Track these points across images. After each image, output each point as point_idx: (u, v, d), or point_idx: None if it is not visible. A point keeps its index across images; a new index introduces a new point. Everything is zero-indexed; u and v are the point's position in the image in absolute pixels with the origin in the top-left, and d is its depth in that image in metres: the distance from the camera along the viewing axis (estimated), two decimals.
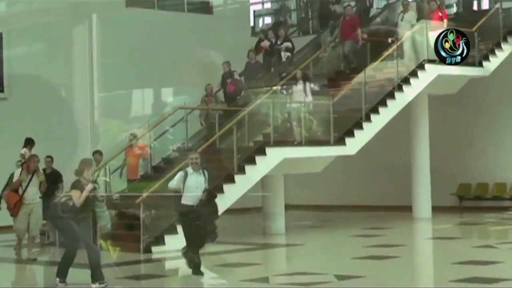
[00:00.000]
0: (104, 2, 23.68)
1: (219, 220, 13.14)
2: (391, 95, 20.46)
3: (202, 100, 20.58)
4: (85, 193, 11.31)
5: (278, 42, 22.27)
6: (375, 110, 20.12)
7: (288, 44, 22.27)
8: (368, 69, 20.50)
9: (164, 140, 19.71)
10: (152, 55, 23.62)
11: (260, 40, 22.68)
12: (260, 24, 29.98)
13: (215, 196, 13.21)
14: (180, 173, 12.72)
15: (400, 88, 20.55)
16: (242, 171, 17.67)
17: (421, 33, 21.06)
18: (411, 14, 21.36)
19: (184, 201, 12.58)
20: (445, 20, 20.92)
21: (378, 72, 20.87)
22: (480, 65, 22.02)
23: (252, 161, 17.82)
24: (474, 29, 22.00)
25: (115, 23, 23.61)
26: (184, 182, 12.53)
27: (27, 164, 15.46)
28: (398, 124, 20.92)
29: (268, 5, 31.43)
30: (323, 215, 24.18)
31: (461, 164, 23.90)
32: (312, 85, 19.71)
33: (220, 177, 17.08)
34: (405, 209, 21.70)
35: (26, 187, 15.35)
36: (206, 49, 23.59)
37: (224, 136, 18.44)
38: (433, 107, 22.28)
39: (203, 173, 12.68)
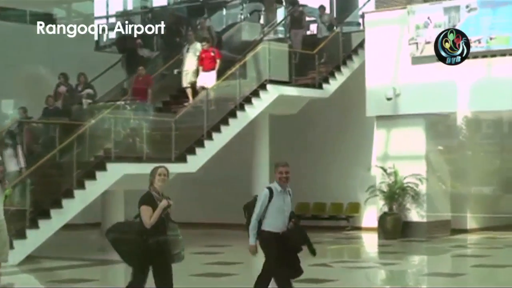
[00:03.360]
0: None
1: (59, 236, 11.96)
2: (233, 114, 20.72)
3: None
4: (158, 211, 8.89)
5: (79, 89, 21.26)
6: (217, 129, 20.32)
7: (90, 91, 21.19)
8: (210, 88, 20.70)
9: None
10: None
11: (59, 85, 21.50)
12: (105, 39, 29.67)
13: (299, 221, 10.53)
14: (265, 193, 9.85)
15: (242, 107, 20.86)
16: (81, 186, 17.42)
17: (263, 54, 21.47)
18: (196, 45, 21.33)
19: (267, 227, 9.72)
20: (218, 60, 20.93)
21: (221, 91, 21.08)
22: (320, 87, 22.63)
23: (92, 176, 17.60)
24: (315, 51, 22.65)
25: None
26: (268, 203, 9.74)
27: None
28: (240, 143, 21.18)
29: (113, 20, 31.17)
30: None
31: (300, 184, 24.29)
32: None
33: (59, 192, 16.80)
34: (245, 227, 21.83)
35: None
36: (47, 62, 23.11)
37: (65, 150, 18.13)
38: (275, 126, 22.67)
39: (289, 192, 10.07)
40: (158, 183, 8.99)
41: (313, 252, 9.79)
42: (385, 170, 21.69)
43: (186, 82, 21.21)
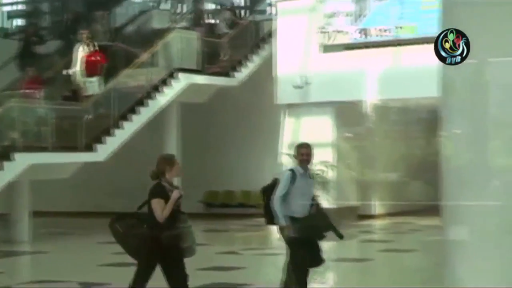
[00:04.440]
0: None
1: None
2: (143, 102, 20.56)
3: None
4: (171, 203, 8.24)
5: None
6: (127, 117, 20.13)
7: None
8: (120, 76, 20.48)
9: None
10: None
11: None
12: (12, 26, 29.08)
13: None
14: (287, 175, 9.22)
15: (152, 96, 20.71)
16: None
17: (173, 42, 21.36)
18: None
19: (288, 212, 9.13)
20: (103, 65, 20.14)
21: (131, 79, 20.89)
22: (230, 75, 22.64)
23: None
24: (226, 40, 22.65)
25: None
26: (290, 186, 9.12)
27: None
28: (150, 131, 21.04)
29: (21, 7, 30.55)
30: (72, 221, 23.79)
31: (209, 172, 24.36)
32: None
33: None
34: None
35: None
36: None
37: None
38: (185, 115, 22.60)
39: (309, 174, 9.45)
40: (175, 173, 8.50)
41: (340, 236, 9.25)
42: (293, 157, 21.80)
43: (74, 84, 20.34)
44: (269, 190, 9.35)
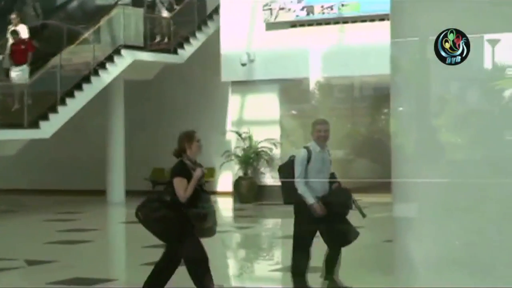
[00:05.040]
0: None
1: None
2: (87, 79, 20.45)
3: None
4: (193, 182, 7.85)
5: None
6: (71, 94, 20.00)
7: None
8: (64, 52, 20.33)
9: None
10: None
11: None
12: None
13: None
14: (303, 153, 8.74)
15: (96, 73, 20.60)
16: None
17: (117, 19, 21.22)
18: (23, 27, 20.20)
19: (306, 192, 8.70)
20: (30, 53, 19.58)
21: (75, 55, 20.75)
22: (175, 52, 22.58)
23: None
24: (170, 16, 22.56)
25: None
26: (306, 164, 8.71)
27: None
28: (95, 109, 20.94)
29: None
30: (17, 199, 23.59)
31: (155, 149, 24.30)
32: None
33: None
34: (100, 194, 21.75)
35: None
36: None
37: None
38: (131, 92, 22.51)
39: (328, 151, 9.02)
40: (194, 150, 8.10)
41: (363, 214, 8.86)
42: (240, 135, 21.93)
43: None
44: (284, 169, 9.04)
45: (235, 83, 22.42)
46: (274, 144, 21.74)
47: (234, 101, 22.70)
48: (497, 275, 4.75)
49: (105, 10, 22.42)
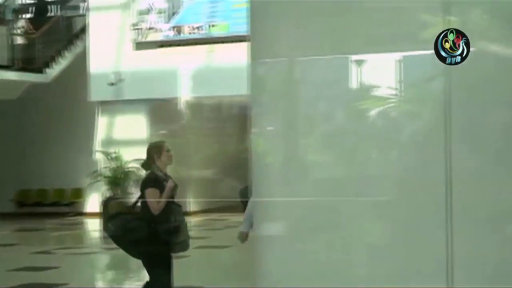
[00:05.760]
0: None
1: None
2: None
3: None
4: (166, 194, 7.59)
5: None
6: None
7: None
8: None
9: None
10: None
11: None
12: None
13: None
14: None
15: None
16: None
17: None
18: None
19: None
20: None
21: None
22: (41, 71, 22.17)
23: None
24: (36, 35, 22.15)
25: None
26: None
27: None
28: None
29: None
30: None
31: (22, 170, 23.78)
32: None
33: None
34: None
35: None
36: None
37: None
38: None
39: None
40: (164, 161, 7.76)
41: None
42: (108, 155, 21.69)
43: None
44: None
45: (104, 103, 22.18)
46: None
47: (102, 121, 22.44)
48: None
49: None
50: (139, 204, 7.78)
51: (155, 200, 7.55)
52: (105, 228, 7.81)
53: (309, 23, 4.91)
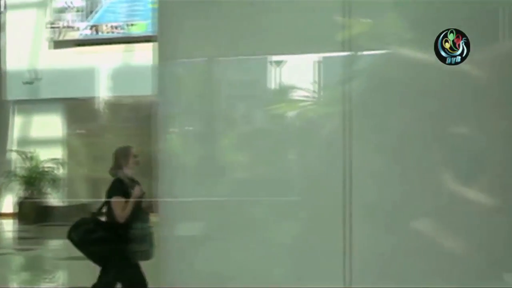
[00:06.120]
0: None
1: None
2: None
3: None
4: (132, 201, 7.43)
5: None
6: None
7: None
8: None
9: None
10: None
11: None
12: None
13: None
14: None
15: None
16: None
17: None
18: None
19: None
20: None
21: None
22: None
23: None
24: None
25: None
26: None
27: None
28: None
29: None
30: None
31: None
32: None
33: None
34: None
35: None
36: None
37: None
38: None
39: None
40: (131, 166, 7.61)
41: None
42: (23, 155, 21.38)
43: None
44: None
45: (19, 102, 21.83)
46: (59, 164, 21.33)
47: (17, 120, 22.09)
48: None
49: None
50: (104, 210, 7.63)
51: (121, 207, 7.43)
52: (68, 237, 7.45)
53: (224, 23, 4.92)
